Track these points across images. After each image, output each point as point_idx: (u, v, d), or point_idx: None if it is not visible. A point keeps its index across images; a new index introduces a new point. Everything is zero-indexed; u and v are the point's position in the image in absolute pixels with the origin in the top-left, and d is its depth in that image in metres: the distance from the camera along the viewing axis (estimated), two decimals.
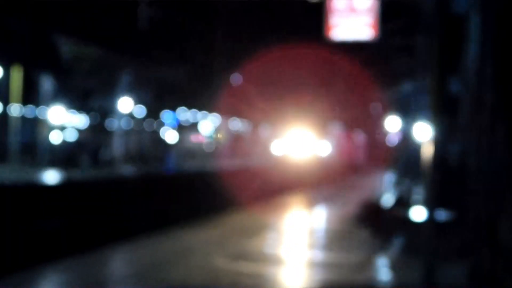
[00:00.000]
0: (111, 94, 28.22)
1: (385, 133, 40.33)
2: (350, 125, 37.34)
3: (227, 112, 36.69)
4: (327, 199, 17.73)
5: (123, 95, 28.22)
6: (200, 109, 36.69)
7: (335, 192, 20.66)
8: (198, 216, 11.81)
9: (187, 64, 27.44)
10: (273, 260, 8.00)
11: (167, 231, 9.60)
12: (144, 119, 32.21)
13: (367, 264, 7.88)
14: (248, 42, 22.88)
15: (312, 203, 16.45)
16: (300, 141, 31.37)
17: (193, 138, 38.57)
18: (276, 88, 25.13)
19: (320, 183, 22.49)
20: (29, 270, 6.70)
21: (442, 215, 8.49)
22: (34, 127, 25.55)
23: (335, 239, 10.08)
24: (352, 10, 13.14)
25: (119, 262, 7.64)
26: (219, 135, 42.02)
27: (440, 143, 6.79)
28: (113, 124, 29.30)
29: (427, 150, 7.03)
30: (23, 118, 24.87)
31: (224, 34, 23.45)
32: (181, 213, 12.55)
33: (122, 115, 29.19)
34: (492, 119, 6.25)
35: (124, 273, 7.15)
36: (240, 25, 22.39)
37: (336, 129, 36.77)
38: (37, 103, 25.56)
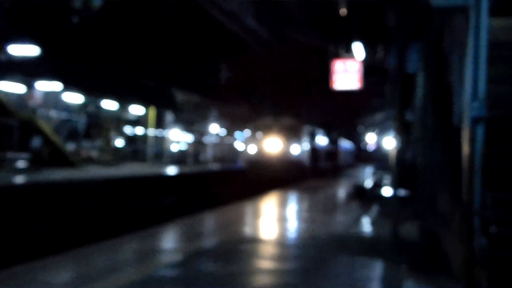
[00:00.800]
0: (205, 122, 28.66)
1: (366, 143, 39.74)
2: (344, 138, 36.65)
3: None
4: (330, 183, 17.49)
5: (212, 122, 28.67)
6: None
7: (335, 178, 20.36)
8: (254, 194, 11.81)
9: (249, 103, 27.39)
10: (296, 219, 7.94)
11: (235, 204, 9.64)
12: (224, 136, 32.44)
13: (357, 222, 7.75)
14: (280, 89, 22.56)
15: (321, 186, 16.23)
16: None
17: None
18: (297, 117, 24.55)
19: (324, 175, 22.17)
20: (152, 227, 6.81)
21: (402, 193, 8.28)
22: (161, 141, 26.10)
23: (336, 207, 9.93)
24: (346, 71, 13.02)
25: (208, 221, 7.68)
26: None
27: (400, 150, 6.64)
28: (207, 139, 29.71)
29: (392, 154, 6.89)
30: (155, 137, 25.43)
31: (269, 85, 23.24)
32: (243, 193, 12.49)
33: (211, 134, 29.64)
34: (432, 136, 6.10)
35: (211, 226, 7.21)
36: (276, 78, 22.03)
37: (334, 140, 35.87)
38: (163, 128, 26.12)
